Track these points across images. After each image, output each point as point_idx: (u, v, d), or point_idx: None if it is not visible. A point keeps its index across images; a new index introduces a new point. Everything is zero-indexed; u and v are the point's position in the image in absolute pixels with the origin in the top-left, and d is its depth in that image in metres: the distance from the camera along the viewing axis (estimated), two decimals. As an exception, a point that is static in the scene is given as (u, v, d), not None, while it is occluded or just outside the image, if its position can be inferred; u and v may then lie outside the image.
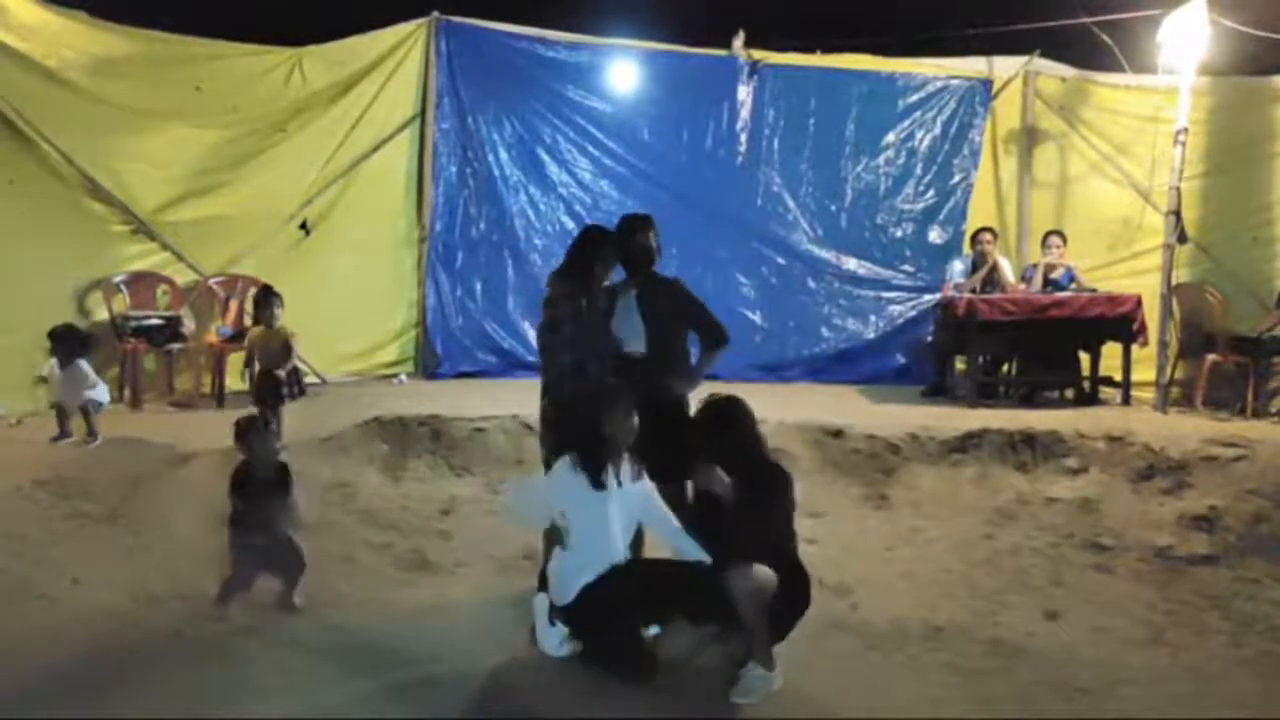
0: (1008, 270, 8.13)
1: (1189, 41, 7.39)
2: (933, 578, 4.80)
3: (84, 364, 6.08)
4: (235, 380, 7.37)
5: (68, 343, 6.07)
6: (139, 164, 7.33)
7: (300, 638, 3.80)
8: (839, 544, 5.23)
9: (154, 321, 7.16)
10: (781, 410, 6.64)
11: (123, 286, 7.26)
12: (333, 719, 3.29)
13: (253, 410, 4.93)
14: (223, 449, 5.67)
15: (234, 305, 7.58)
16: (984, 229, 8.24)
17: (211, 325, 7.52)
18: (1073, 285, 7.93)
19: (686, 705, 3.51)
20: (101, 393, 6.14)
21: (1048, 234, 8.27)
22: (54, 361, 6.04)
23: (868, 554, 5.13)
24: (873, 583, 4.66)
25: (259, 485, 4.03)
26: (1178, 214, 7.59)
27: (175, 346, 7.29)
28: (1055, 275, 8.04)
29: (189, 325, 7.35)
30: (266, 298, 6.28)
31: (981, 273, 7.98)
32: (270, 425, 4.37)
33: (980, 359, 7.82)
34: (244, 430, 4.16)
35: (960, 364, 8.21)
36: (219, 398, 7.23)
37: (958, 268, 8.20)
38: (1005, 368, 8.33)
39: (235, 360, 7.33)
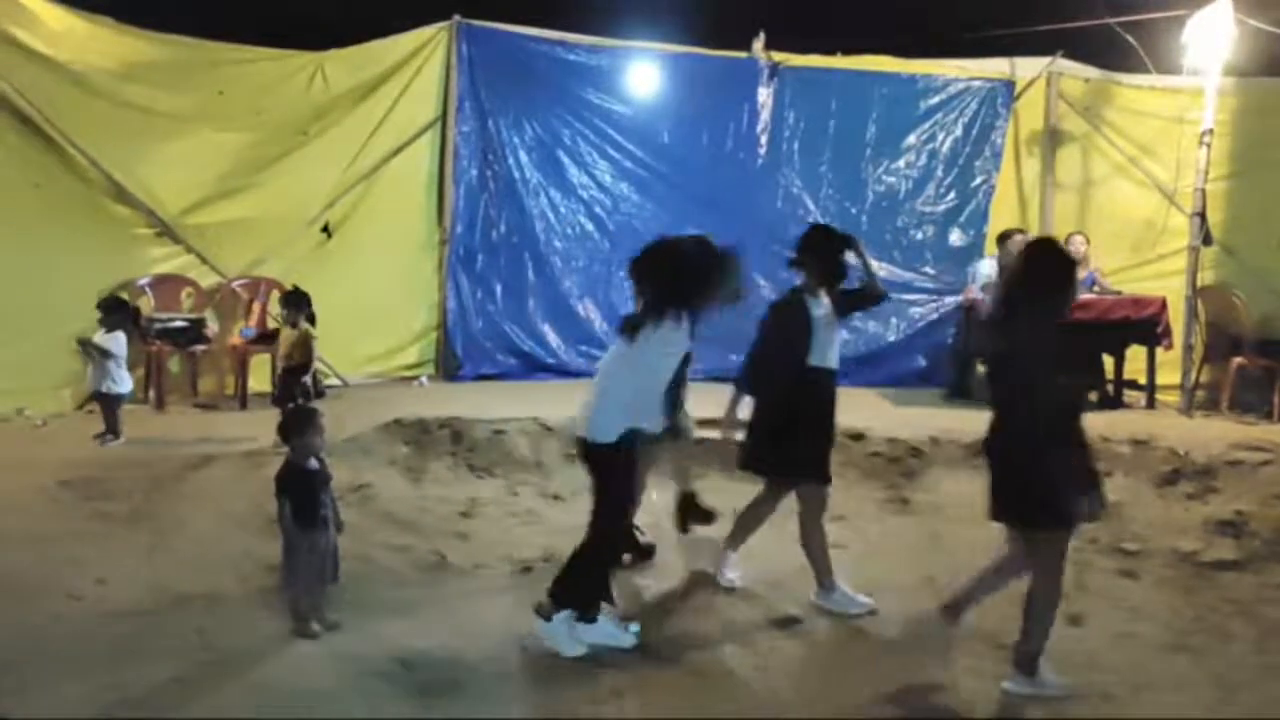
0: None
1: (1214, 42, 7.32)
2: (955, 582, 4.76)
3: (123, 337, 6.22)
4: (259, 382, 7.43)
5: (117, 312, 6.34)
6: (163, 167, 7.41)
7: (319, 638, 3.81)
8: (860, 548, 5.21)
9: (178, 323, 7.23)
10: (802, 413, 6.61)
11: (147, 289, 7.33)
12: (352, 719, 3.30)
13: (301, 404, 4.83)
14: (246, 450, 5.76)
15: (257, 307, 7.64)
16: (1016, 230, 8.16)
17: (235, 327, 7.59)
18: (1095, 289, 7.87)
19: (711, 702, 3.50)
20: (125, 382, 6.25)
21: (1070, 235, 8.22)
22: (101, 332, 6.20)
23: (889, 557, 5.10)
24: (894, 586, 4.64)
25: (310, 482, 3.88)
26: (1203, 216, 7.52)
27: (199, 348, 7.36)
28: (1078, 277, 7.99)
29: (212, 327, 7.43)
30: (289, 298, 6.34)
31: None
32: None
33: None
34: (293, 422, 3.97)
35: (982, 366, 8.15)
36: (242, 399, 7.29)
37: (984, 268, 8.14)
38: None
39: (258, 362, 7.40)
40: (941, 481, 6.02)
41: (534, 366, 8.63)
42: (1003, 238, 8.19)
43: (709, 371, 8.62)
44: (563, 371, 8.62)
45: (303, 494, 3.82)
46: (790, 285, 4.69)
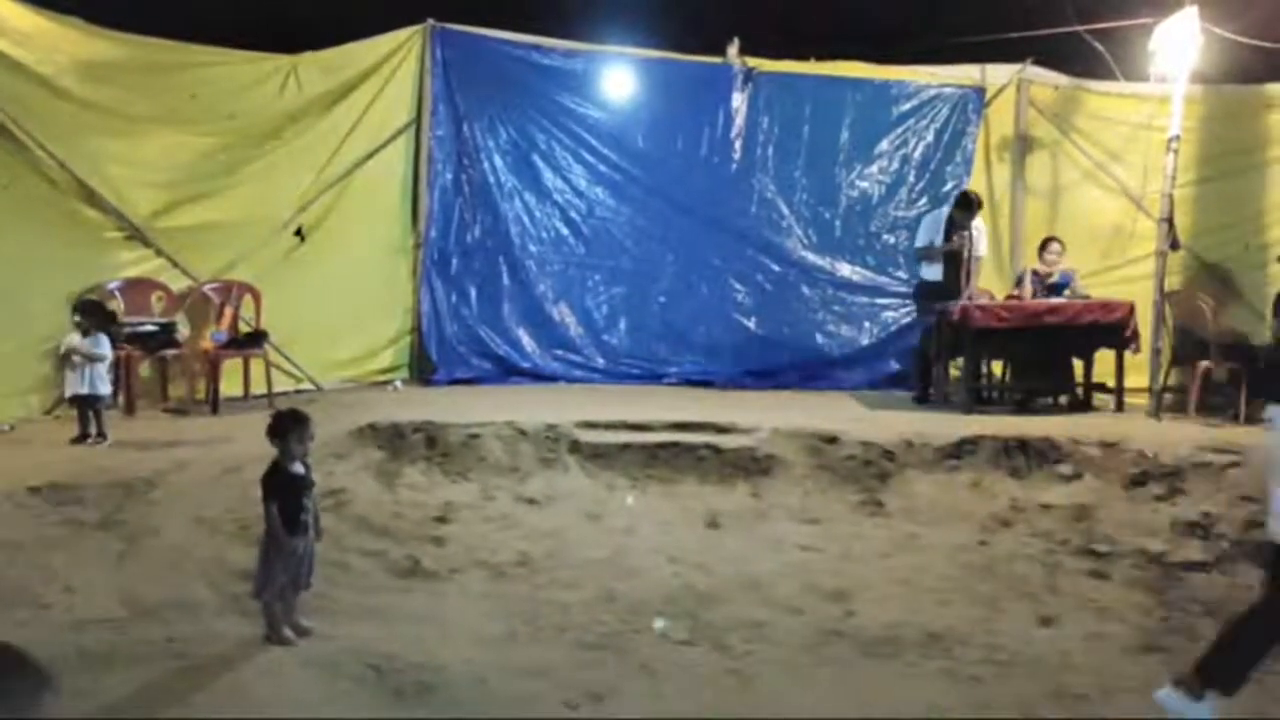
0: (981, 235, 8.04)
1: (1181, 49, 7.42)
2: (928, 584, 4.80)
3: (106, 339, 6.16)
4: (230, 386, 7.37)
5: (97, 315, 6.22)
6: (134, 170, 7.33)
7: (293, 644, 3.78)
8: (835, 551, 5.24)
9: (148, 328, 7.15)
10: (776, 417, 6.65)
11: (117, 293, 7.24)
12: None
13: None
14: (217, 455, 5.70)
15: (228, 311, 7.57)
16: (975, 195, 8.13)
17: (206, 331, 7.51)
18: (1067, 291, 7.95)
19: (686, 705, 3.50)
20: (106, 385, 6.20)
21: (1047, 240, 8.28)
22: (76, 335, 6.12)
23: (863, 561, 5.12)
24: (869, 589, 4.66)
25: (295, 486, 3.85)
26: (1170, 221, 7.62)
27: (170, 352, 7.29)
28: (1053, 280, 8.06)
29: (183, 331, 7.35)
30: None
31: (956, 247, 7.87)
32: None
33: (974, 365, 7.83)
34: (284, 423, 3.89)
35: (953, 370, 8.22)
36: (213, 404, 7.21)
37: (926, 229, 8.12)
38: (996, 374, 8.33)
39: (230, 366, 7.35)
40: (915, 485, 6.06)
41: (509, 370, 8.63)
42: (965, 203, 8.05)
43: (684, 376, 8.72)
44: (537, 376, 8.63)
45: (286, 498, 3.79)
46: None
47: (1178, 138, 7.60)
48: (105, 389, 6.21)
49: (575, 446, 6.20)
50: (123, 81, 7.29)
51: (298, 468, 3.87)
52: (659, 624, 4.15)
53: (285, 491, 3.80)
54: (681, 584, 4.66)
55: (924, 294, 8.19)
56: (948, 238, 7.95)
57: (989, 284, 8.96)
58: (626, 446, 6.18)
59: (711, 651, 3.98)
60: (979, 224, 8.08)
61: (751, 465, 6.11)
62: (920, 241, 8.18)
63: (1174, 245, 7.71)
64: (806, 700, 3.61)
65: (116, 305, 7.19)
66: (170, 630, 3.85)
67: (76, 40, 7.11)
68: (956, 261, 7.86)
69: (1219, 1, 7.60)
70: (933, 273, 8.05)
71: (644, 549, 5.08)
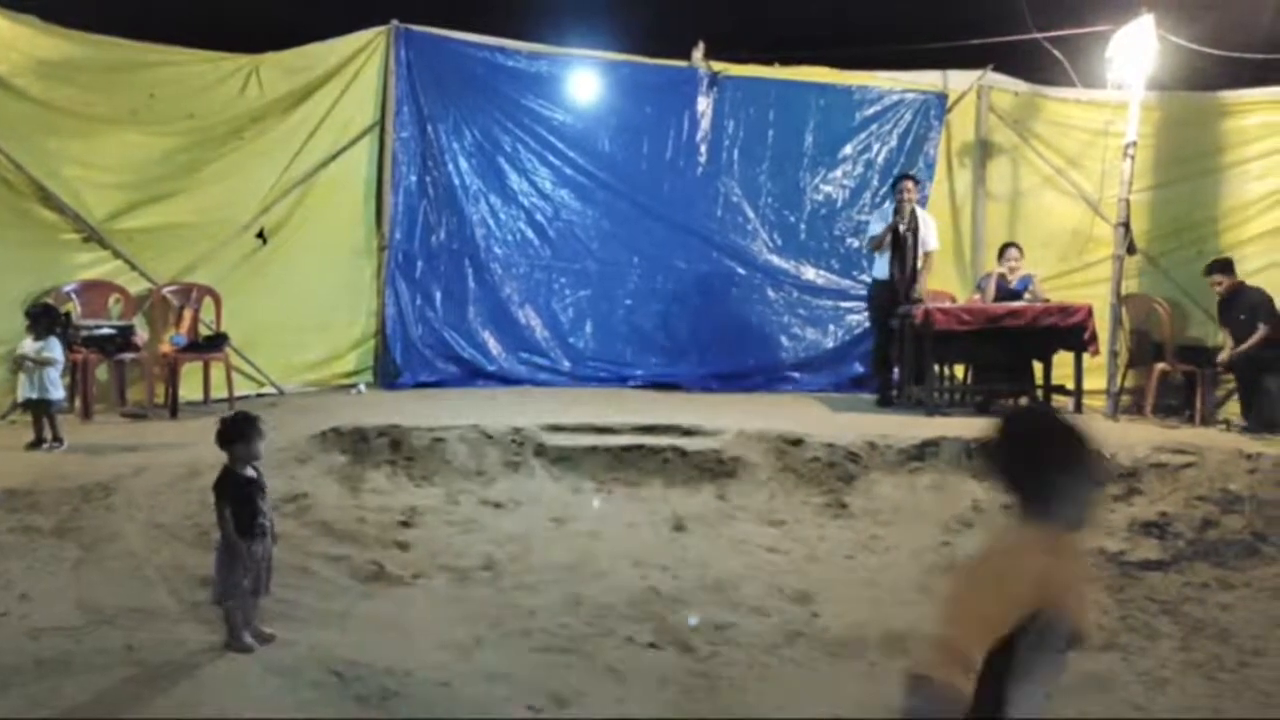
0: (929, 228, 8.09)
1: (1138, 57, 7.56)
2: (892, 585, 4.84)
3: (57, 342, 6.05)
4: (189, 390, 7.27)
5: (46, 319, 6.13)
6: (91, 171, 7.21)
7: (253, 651, 3.74)
8: (799, 552, 5.27)
9: (106, 331, 7.04)
10: (741, 419, 6.68)
11: (74, 295, 7.13)
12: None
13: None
14: (176, 460, 5.63)
15: (188, 314, 7.48)
16: (905, 176, 8.21)
17: (165, 334, 7.41)
18: (1027, 294, 8.05)
19: (651, 708, 3.50)
20: (58, 389, 6.10)
21: (1006, 246, 8.38)
22: (28, 339, 6.05)
23: (828, 562, 5.16)
24: (833, 590, 4.70)
25: (248, 490, 3.80)
26: (1127, 226, 7.75)
27: (128, 356, 7.19)
28: (1013, 284, 8.16)
29: (141, 335, 7.25)
30: None
31: (895, 222, 7.90)
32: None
33: (936, 368, 7.92)
34: (234, 427, 3.84)
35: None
36: (172, 408, 7.13)
37: (876, 222, 8.15)
38: (958, 376, 8.42)
39: (189, 370, 7.25)
40: (879, 486, 6.11)
41: (474, 374, 8.59)
42: (896, 181, 8.09)
43: (649, 378, 8.73)
44: (503, 379, 8.59)
45: (240, 502, 3.75)
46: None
47: (1134, 144, 7.74)
48: (57, 393, 6.11)
49: (541, 450, 6.19)
50: (80, 81, 7.18)
51: (249, 471, 3.83)
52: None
53: (239, 496, 3.76)
54: (647, 587, 4.67)
55: (873, 294, 8.27)
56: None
57: (950, 287, 9.07)
58: (592, 449, 6.18)
59: (677, 654, 3.99)
60: (927, 218, 8.14)
61: (717, 468, 6.13)
62: (871, 232, 8.22)
63: (1131, 249, 7.84)
64: (771, 701, 3.62)
65: (73, 308, 7.08)
66: (129, 637, 3.79)
67: (32, 39, 6.99)
68: (901, 252, 7.90)
69: (1175, 9, 7.75)
70: (880, 268, 8.10)
71: (610, 552, 5.07)
